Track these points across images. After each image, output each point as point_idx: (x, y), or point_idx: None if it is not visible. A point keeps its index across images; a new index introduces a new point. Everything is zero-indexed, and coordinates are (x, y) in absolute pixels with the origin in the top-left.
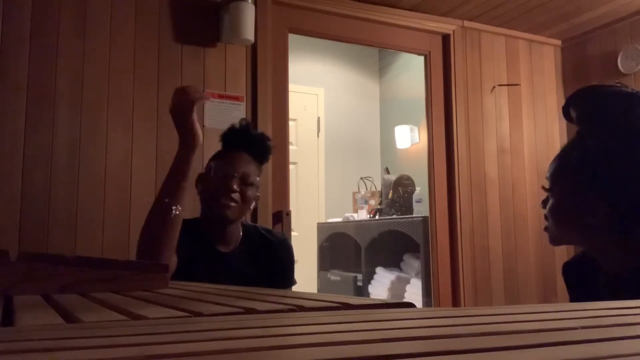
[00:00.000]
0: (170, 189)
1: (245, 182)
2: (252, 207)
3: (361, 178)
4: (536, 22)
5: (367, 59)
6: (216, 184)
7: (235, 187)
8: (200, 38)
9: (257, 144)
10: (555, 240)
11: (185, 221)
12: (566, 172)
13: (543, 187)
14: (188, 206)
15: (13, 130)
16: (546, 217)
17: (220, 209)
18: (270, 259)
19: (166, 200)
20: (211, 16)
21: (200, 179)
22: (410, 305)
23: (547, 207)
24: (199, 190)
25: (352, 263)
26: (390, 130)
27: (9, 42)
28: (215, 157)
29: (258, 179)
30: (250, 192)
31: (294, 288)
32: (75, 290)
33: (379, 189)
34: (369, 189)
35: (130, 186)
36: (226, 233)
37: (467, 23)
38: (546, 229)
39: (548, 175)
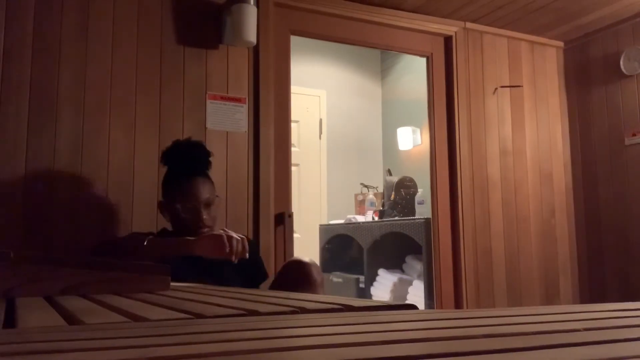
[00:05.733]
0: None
1: (209, 204)
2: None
3: (365, 185)
4: (538, 23)
5: (369, 60)
6: (187, 220)
7: (204, 216)
8: (202, 40)
9: (205, 162)
10: None
11: (161, 233)
12: None
13: None
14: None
15: (15, 133)
16: None
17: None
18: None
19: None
20: (213, 18)
21: (164, 209)
22: (412, 307)
23: None
24: (168, 219)
25: (354, 265)
26: (393, 132)
27: (12, 45)
28: (173, 191)
29: (215, 191)
30: (214, 209)
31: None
32: (77, 292)
33: (380, 190)
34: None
35: (132, 188)
36: None
37: (469, 25)
38: None
39: None
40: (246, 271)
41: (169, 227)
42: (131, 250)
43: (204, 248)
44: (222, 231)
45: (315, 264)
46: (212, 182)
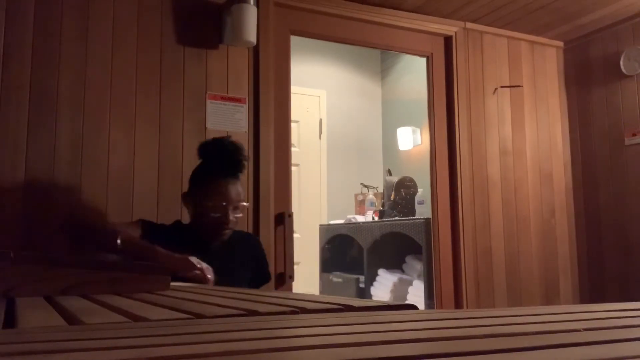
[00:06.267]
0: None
1: (237, 208)
2: None
3: (365, 185)
4: (538, 23)
5: (369, 60)
6: (212, 219)
7: (231, 218)
8: (202, 40)
9: (242, 165)
10: None
11: (172, 225)
12: None
13: None
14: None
15: (15, 133)
16: None
17: (217, 236)
18: (246, 251)
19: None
20: (213, 18)
21: (189, 201)
22: (412, 307)
23: None
24: (190, 212)
25: (354, 265)
26: (393, 132)
27: (12, 45)
28: (206, 188)
29: (243, 196)
30: (241, 213)
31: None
32: (77, 292)
33: (380, 191)
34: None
35: (132, 188)
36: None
37: (469, 25)
38: None
39: None
40: (252, 270)
41: (184, 219)
42: (102, 244)
43: (177, 265)
44: (195, 259)
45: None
46: (241, 186)
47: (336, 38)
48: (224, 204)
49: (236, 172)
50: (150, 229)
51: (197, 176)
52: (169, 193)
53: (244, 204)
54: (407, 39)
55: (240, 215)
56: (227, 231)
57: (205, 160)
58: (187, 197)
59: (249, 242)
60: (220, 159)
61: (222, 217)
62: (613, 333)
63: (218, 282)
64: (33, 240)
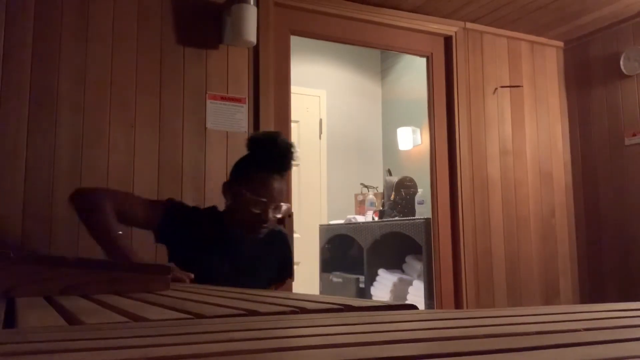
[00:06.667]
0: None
1: (278, 208)
2: None
3: (365, 185)
4: (538, 23)
5: (369, 60)
6: (251, 213)
7: (270, 216)
8: (202, 40)
9: (290, 164)
10: None
11: (207, 210)
12: None
13: None
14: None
15: (16, 133)
16: None
17: (251, 232)
18: (275, 251)
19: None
20: (213, 18)
21: (230, 192)
22: (412, 307)
23: None
24: (228, 204)
25: (354, 265)
26: (393, 132)
27: (12, 46)
28: (252, 181)
29: (285, 196)
30: (280, 214)
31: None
32: (77, 291)
33: (380, 191)
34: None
35: (132, 188)
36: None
37: (469, 25)
38: None
39: None
40: (277, 270)
41: (218, 207)
42: (107, 234)
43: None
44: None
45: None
46: (286, 186)
47: (336, 38)
48: (266, 199)
49: (284, 169)
50: (178, 211)
51: (243, 166)
52: (169, 193)
53: (286, 205)
54: (407, 39)
55: (280, 216)
56: (262, 229)
57: (254, 153)
58: (227, 187)
59: (280, 242)
60: (270, 154)
61: (262, 213)
62: (613, 333)
63: (237, 280)
64: (33, 240)
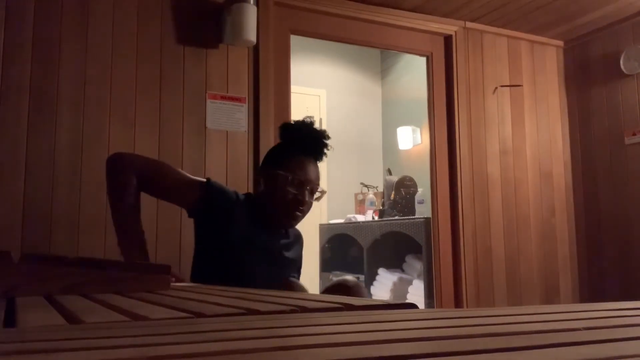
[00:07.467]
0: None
1: (313, 191)
2: None
3: (365, 185)
4: (538, 23)
5: (369, 60)
6: (288, 199)
7: (307, 199)
8: (202, 40)
9: (324, 151)
10: None
11: (244, 199)
12: None
13: None
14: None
15: (16, 133)
16: None
17: (287, 221)
18: (298, 251)
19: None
20: (213, 18)
21: (264, 176)
22: (412, 306)
23: None
24: (261, 189)
25: (354, 264)
26: (393, 131)
27: (12, 46)
28: (289, 162)
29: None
30: (316, 198)
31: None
32: (78, 291)
33: (380, 190)
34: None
35: None
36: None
37: (469, 24)
38: None
39: None
40: (296, 265)
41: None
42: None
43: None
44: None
45: (359, 285)
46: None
47: (336, 38)
48: (302, 180)
49: (320, 154)
50: (217, 193)
51: (278, 151)
52: None
53: (321, 190)
54: (407, 38)
55: (316, 199)
56: (298, 213)
57: (291, 137)
58: (260, 171)
59: (299, 241)
60: (306, 139)
61: (298, 194)
62: (613, 332)
63: (271, 279)
64: (33, 240)
